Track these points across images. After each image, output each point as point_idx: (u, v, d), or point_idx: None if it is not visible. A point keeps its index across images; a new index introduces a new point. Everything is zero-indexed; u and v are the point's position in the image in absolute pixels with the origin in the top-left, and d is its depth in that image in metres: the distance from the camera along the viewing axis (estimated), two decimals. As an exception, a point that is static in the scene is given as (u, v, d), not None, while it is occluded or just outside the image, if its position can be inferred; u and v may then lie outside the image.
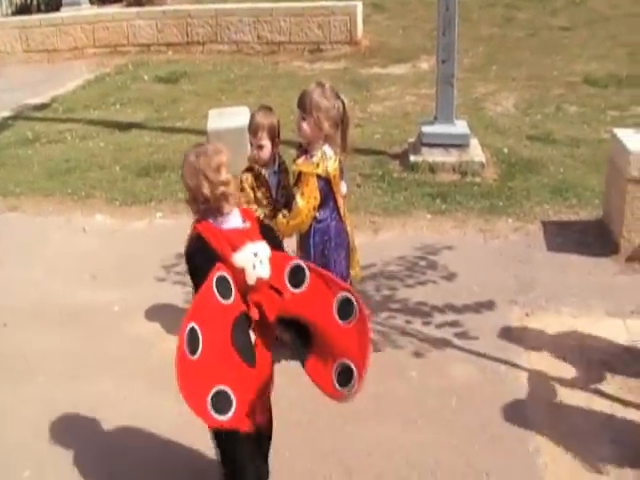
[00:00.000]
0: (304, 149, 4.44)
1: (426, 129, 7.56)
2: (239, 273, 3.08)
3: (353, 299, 3.17)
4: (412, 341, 4.79)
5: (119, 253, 6.22)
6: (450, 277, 5.52)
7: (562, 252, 5.85)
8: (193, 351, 2.90)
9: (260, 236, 3.20)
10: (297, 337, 3.29)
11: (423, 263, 5.74)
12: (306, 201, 4.30)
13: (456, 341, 4.76)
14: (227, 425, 2.93)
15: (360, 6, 13.56)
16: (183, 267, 5.42)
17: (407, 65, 12.19)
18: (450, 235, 6.23)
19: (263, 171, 4.58)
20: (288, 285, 3.21)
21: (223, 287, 3.03)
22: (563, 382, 4.33)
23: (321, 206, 4.37)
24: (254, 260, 3.10)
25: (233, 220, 3.18)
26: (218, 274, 3.02)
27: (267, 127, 4.51)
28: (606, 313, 5.01)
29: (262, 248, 3.15)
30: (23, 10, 18.41)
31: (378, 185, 7.24)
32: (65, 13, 15.26)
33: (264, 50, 13.54)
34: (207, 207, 3.14)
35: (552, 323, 4.92)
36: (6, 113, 10.90)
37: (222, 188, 3.10)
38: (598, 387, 4.28)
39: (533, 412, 4.11)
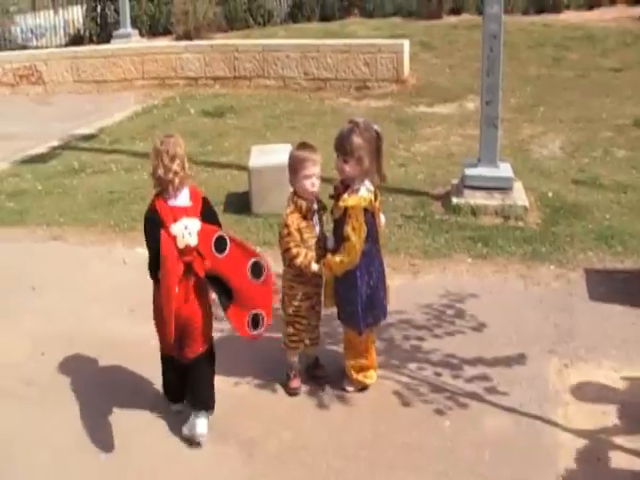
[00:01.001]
0: (345, 185, 4.46)
1: (469, 171, 7.50)
2: (174, 239, 4.12)
3: (262, 262, 4.24)
4: (446, 391, 4.69)
5: (158, 287, 6.22)
6: (488, 324, 5.41)
7: (605, 302, 5.71)
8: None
9: (199, 213, 4.24)
10: (221, 292, 4.27)
11: (461, 308, 5.65)
12: (358, 235, 4.33)
13: (491, 391, 4.65)
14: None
15: (407, 44, 13.60)
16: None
17: (454, 104, 12.16)
18: (490, 280, 6.14)
19: (314, 206, 4.58)
20: (213, 251, 4.19)
21: None
22: (602, 439, 4.20)
23: (365, 239, 4.40)
24: (184, 231, 4.14)
25: (181, 199, 4.23)
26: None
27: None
28: (649, 367, 4.87)
29: (193, 223, 4.18)
30: (76, 41, 18.86)
31: (419, 227, 7.17)
32: (115, 45, 15.58)
33: (310, 86, 13.62)
34: (159, 184, 4.19)
35: (592, 375, 4.79)
36: (54, 142, 11.11)
37: (171, 175, 4.11)
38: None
39: (570, 469, 3.99)
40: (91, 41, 19.17)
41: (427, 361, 5.02)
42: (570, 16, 18.78)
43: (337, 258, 4.40)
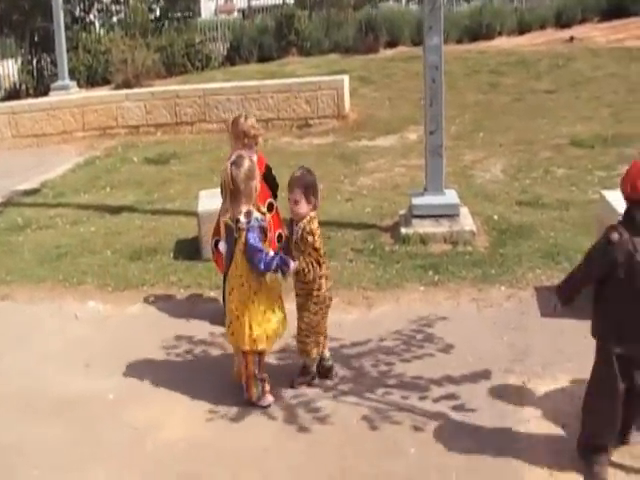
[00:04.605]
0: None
1: (416, 200, 7.58)
2: None
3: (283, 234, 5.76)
4: (409, 417, 4.69)
5: (112, 339, 6.13)
6: (445, 349, 5.45)
7: (556, 317, 5.76)
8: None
9: (262, 174, 5.53)
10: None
11: (418, 337, 5.68)
12: None
13: (453, 415, 4.67)
14: None
15: (347, 80, 13.76)
16: (178, 353, 5.73)
17: (395, 136, 12.32)
18: (443, 306, 6.18)
19: None
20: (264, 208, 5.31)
21: None
22: (564, 451, 4.24)
23: None
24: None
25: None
26: None
27: None
28: (603, 378, 4.92)
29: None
30: (12, 96, 18.66)
31: (370, 259, 7.20)
32: (54, 97, 15.46)
33: (253, 127, 13.65)
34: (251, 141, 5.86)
35: (549, 390, 4.85)
36: (-4, 200, 10.91)
37: (260, 131, 6.02)
38: (599, 456, 4.18)
39: (535, 485, 4.02)
40: (28, 95, 19.02)
41: (396, 385, 5.05)
42: (502, 42, 19.23)
43: None
